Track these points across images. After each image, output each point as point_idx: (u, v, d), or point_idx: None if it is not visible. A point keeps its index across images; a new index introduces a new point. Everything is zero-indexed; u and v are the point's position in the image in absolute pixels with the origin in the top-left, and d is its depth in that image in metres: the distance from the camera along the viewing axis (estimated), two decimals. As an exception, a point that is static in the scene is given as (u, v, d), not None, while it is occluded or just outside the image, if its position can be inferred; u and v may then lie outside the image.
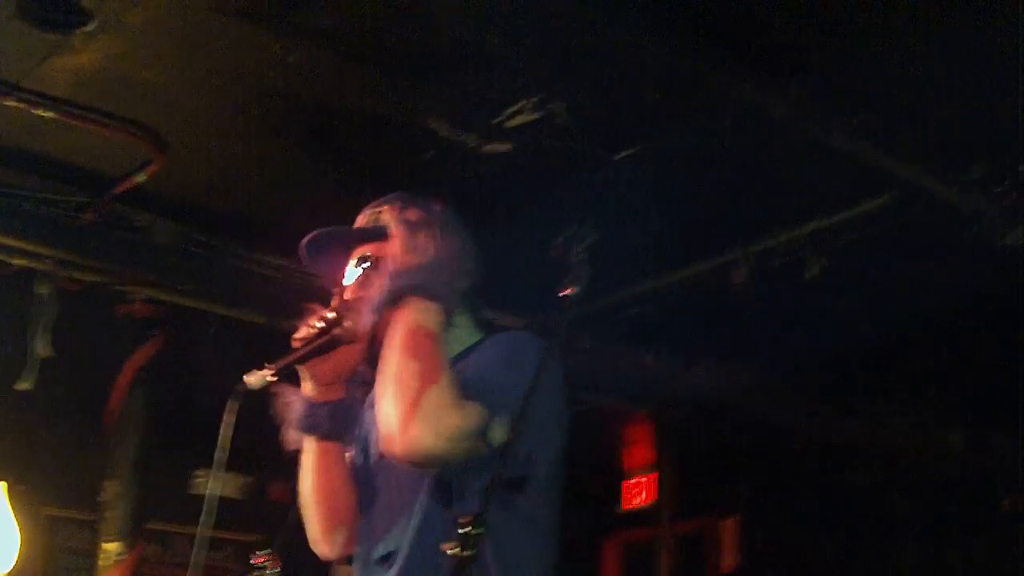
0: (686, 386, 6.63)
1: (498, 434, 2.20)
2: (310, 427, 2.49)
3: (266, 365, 2.40)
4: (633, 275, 5.14)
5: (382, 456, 2.42)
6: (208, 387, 5.80)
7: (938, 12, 3.46)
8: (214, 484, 2.46)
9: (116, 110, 4.11)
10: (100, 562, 5.01)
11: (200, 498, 2.72)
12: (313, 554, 2.69)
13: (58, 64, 3.79)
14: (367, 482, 2.54)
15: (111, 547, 5.02)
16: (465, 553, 1.88)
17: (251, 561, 4.24)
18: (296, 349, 2.46)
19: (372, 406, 2.60)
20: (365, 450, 2.60)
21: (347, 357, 2.48)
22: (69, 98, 4.03)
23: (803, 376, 6.88)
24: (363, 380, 2.59)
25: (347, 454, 2.61)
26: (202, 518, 2.52)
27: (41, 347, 4.70)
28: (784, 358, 6.60)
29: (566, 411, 2.43)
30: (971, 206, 4.41)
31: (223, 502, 5.84)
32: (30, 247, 4.68)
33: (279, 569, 4.19)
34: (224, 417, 2.39)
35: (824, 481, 7.49)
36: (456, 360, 2.37)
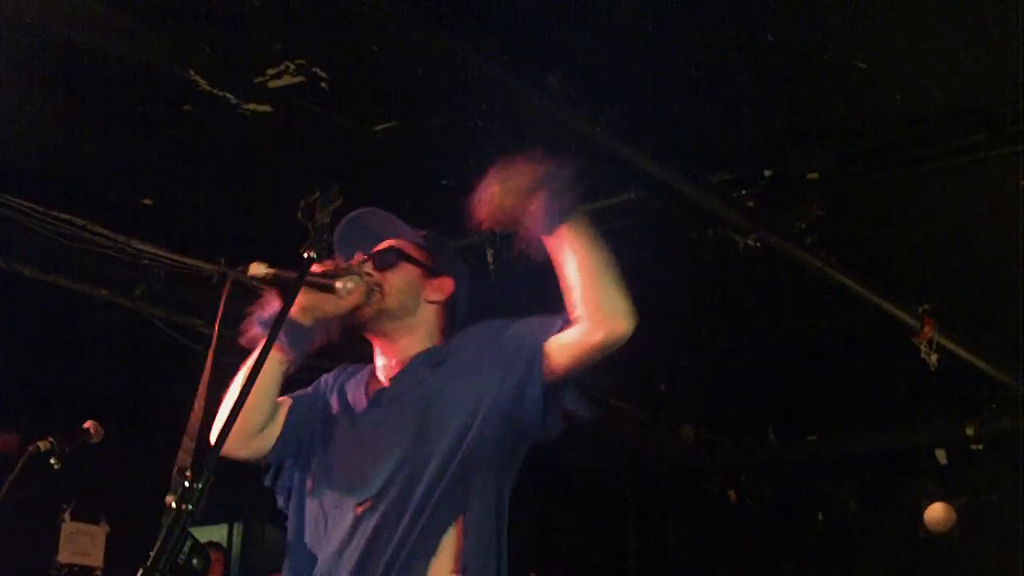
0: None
1: None
2: (282, 335, 2.52)
3: (270, 265, 2.43)
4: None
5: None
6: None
7: (700, 11, 3.60)
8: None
9: None
10: None
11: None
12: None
13: None
14: (347, 438, 2.66)
15: None
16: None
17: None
18: (305, 270, 2.45)
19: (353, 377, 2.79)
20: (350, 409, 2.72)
21: (334, 310, 2.59)
22: None
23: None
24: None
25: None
26: None
27: None
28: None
29: None
30: (712, 208, 4.59)
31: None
32: None
33: None
34: (224, 292, 2.40)
35: (551, 463, 7.67)
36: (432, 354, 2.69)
